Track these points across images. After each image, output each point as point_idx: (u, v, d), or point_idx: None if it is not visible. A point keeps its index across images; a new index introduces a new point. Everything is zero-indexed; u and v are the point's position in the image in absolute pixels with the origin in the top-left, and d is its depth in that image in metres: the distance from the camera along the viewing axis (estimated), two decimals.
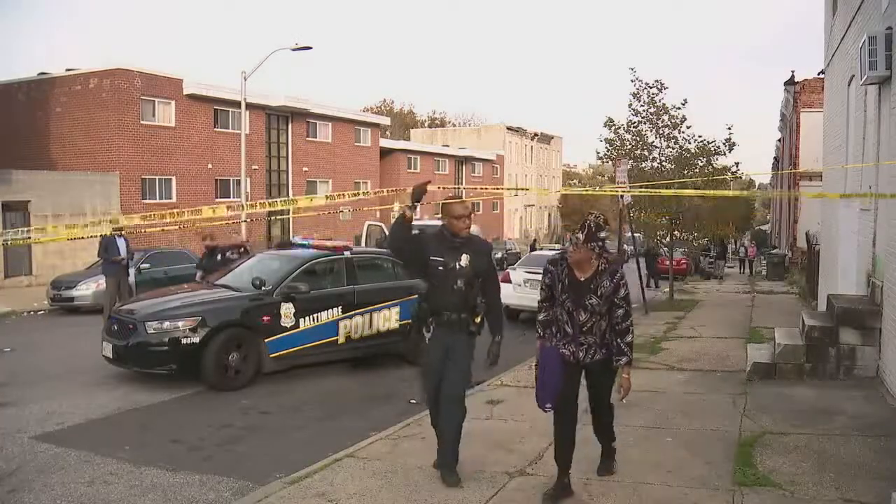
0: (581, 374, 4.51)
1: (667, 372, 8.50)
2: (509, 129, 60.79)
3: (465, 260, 4.76)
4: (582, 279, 4.35)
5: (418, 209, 5.21)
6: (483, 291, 4.91)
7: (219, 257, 14.18)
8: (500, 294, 5.08)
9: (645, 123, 17.41)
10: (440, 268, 4.74)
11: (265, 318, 8.24)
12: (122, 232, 12.06)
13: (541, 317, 4.61)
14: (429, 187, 4.77)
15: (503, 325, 5.03)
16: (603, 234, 4.25)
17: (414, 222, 4.75)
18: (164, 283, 14.27)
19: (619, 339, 4.35)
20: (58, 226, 5.01)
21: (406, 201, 4.75)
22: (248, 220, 22.71)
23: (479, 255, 4.87)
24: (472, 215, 4.89)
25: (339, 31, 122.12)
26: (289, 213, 32.41)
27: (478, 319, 4.88)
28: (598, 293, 4.32)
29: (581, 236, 4.25)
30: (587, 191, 21.58)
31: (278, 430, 6.57)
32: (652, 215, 16.77)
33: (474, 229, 5.15)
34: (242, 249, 15.07)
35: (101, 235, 11.89)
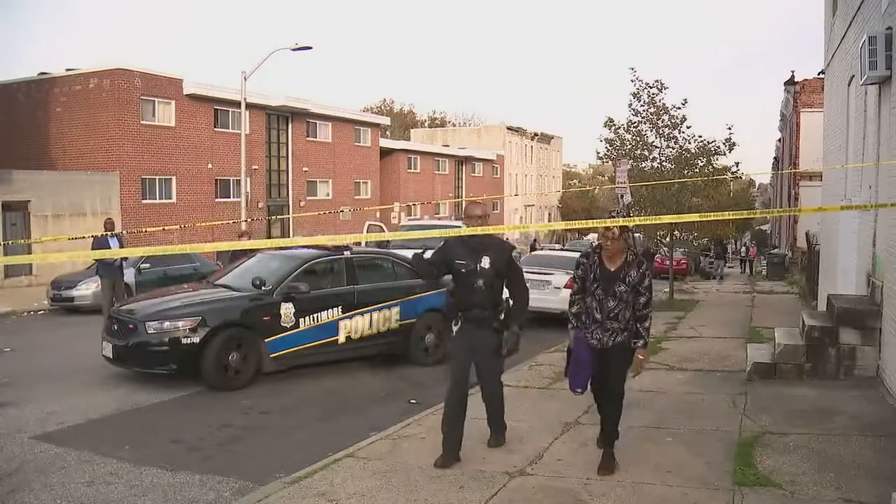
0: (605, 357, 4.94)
1: (667, 372, 8.49)
2: (509, 129, 60.78)
3: (485, 261, 5.12)
4: (612, 269, 4.88)
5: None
6: (508, 289, 5.31)
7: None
8: (524, 290, 5.35)
9: (645, 123, 17.42)
10: (462, 270, 5.15)
11: (265, 318, 8.23)
12: (114, 232, 12.03)
13: (573, 309, 5.06)
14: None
15: (524, 319, 5.41)
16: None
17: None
18: (164, 283, 14.27)
19: (638, 324, 4.89)
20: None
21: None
22: (249, 220, 22.71)
23: (499, 255, 5.20)
24: (488, 216, 5.34)
25: (339, 31, 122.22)
26: (289, 214, 32.42)
27: (502, 316, 5.22)
28: (626, 281, 4.85)
29: (616, 231, 4.81)
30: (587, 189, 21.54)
31: (278, 430, 6.57)
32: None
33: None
34: None
35: (92, 236, 11.88)
